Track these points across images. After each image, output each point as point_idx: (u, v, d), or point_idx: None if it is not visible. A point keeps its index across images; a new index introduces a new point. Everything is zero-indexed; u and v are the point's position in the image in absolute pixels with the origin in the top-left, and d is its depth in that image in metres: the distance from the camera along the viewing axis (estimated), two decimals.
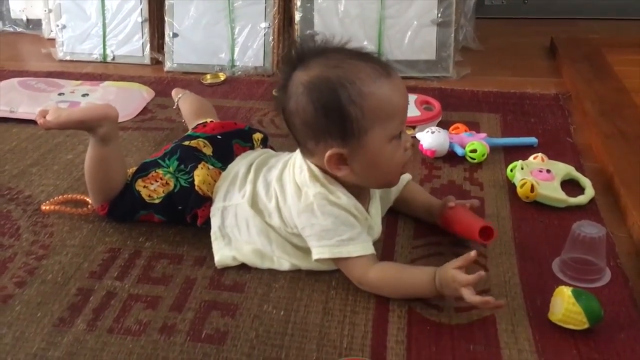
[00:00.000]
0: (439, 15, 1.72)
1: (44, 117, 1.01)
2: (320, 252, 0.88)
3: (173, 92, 1.49)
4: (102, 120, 1.00)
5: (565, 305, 0.79)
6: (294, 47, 0.89)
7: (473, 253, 0.82)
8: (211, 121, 1.20)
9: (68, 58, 2.01)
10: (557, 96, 1.58)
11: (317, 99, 0.84)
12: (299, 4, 1.77)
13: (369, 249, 0.88)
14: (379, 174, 0.89)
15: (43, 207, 1.12)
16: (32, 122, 1.46)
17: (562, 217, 1.06)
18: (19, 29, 2.31)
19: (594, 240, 0.88)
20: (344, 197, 0.88)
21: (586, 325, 0.79)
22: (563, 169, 1.16)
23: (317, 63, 0.85)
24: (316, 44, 0.88)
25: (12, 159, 1.33)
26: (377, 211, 0.96)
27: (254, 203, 0.96)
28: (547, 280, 0.90)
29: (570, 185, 1.14)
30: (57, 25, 2.02)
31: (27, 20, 2.31)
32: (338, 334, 0.82)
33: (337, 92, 0.82)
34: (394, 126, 0.85)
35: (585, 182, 1.14)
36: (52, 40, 2.09)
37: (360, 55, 0.86)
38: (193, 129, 1.18)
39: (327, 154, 0.85)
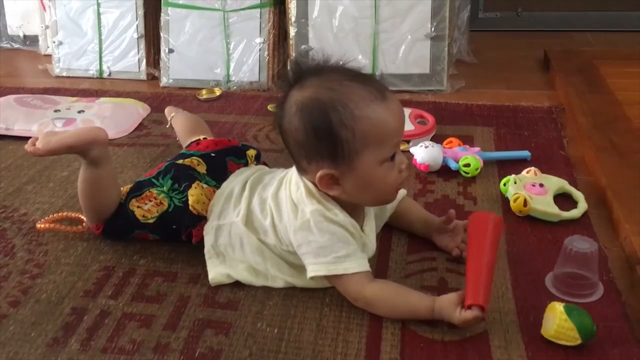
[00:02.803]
0: (433, 29, 1.73)
1: (34, 145, 1.01)
2: (316, 269, 0.88)
3: (166, 111, 1.49)
4: (92, 144, 1.00)
5: (558, 322, 0.80)
6: (291, 65, 0.90)
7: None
8: (205, 138, 1.21)
9: (64, 74, 2.02)
10: (550, 109, 1.59)
11: (309, 121, 0.84)
12: (293, 19, 1.79)
13: (365, 266, 0.89)
14: (372, 194, 0.89)
15: (38, 225, 1.12)
16: (28, 139, 1.48)
17: (555, 231, 1.06)
18: (16, 45, 2.32)
19: (586, 256, 0.89)
20: (340, 214, 0.88)
21: (579, 341, 0.80)
22: (556, 183, 1.17)
23: (312, 83, 0.86)
24: (315, 62, 0.88)
25: (7, 177, 1.33)
26: (371, 228, 0.96)
27: (249, 221, 0.96)
28: (541, 296, 0.91)
29: (564, 199, 1.15)
30: (54, 42, 2.03)
31: (24, 36, 2.32)
32: (332, 351, 0.82)
33: (328, 115, 0.83)
34: (386, 150, 0.85)
35: (578, 195, 1.14)
36: (49, 56, 2.10)
37: (357, 77, 0.86)
38: (187, 147, 1.19)
39: (318, 174, 0.86)
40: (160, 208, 1.01)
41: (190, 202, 0.99)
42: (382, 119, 0.84)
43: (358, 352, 0.82)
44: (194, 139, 1.20)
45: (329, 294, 0.92)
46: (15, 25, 2.31)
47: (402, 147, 1.35)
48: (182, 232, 1.01)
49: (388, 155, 0.86)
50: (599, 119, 1.44)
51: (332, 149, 0.84)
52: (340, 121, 0.83)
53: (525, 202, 1.09)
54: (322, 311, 0.89)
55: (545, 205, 1.09)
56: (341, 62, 0.89)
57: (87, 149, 1.00)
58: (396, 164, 0.87)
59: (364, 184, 0.87)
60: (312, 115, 0.84)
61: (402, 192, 1.05)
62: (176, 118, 1.43)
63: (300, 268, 0.92)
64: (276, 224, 0.93)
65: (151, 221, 1.02)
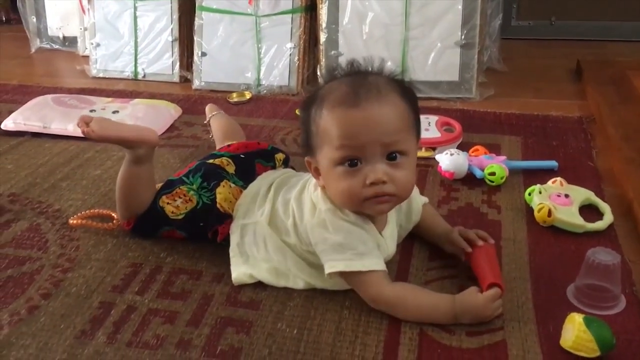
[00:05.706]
0: (463, 37, 1.73)
1: (87, 126, 1.01)
2: (332, 265, 0.89)
3: (207, 108, 1.52)
4: (144, 143, 1.04)
5: (576, 333, 0.80)
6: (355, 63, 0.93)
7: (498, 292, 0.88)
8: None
9: (101, 75, 2.08)
10: (580, 119, 1.58)
11: (302, 110, 0.92)
12: (324, 25, 1.81)
13: (382, 265, 0.90)
14: (336, 196, 0.90)
15: (71, 221, 1.16)
16: (64, 137, 1.54)
17: (579, 242, 1.05)
18: (56, 46, 2.41)
19: (608, 268, 0.88)
20: (351, 215, 0.90)
21: (597, 353, 0.79)
22: (582, 194, 1.16)
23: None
24: (368, 67, 0.91)
25: (43, 173, 1.38)
26: (392, 235, 0.97)
27: (272, 221, 0.98)
28: (561, 306, 0.90)
29: (589, 211, 1.14)
30: (92, 43, 2.09)
31: (64, 37, 2.40)
32: (349, 354, 0.83)
33: (311, 108, 0.89)
34: (337, 154, 0.85)
35: (605, 207, 1.13)
36: (87, 57, 2.17)
37: (358, 79, 0.87)
38: (219, 148, 1.21)
39: (305, 158, 0.92)
40: (189, 205, 1.04)
41: (217, 200, 1.02)
42: (339, 122, 0.85)
43: (375, 356, 0.83)
44: (227, 143, 1.22)
45: (349, 297, 0.93)
46: (56, 26, 2.40)
47: (428, 154, 1.36)
48: (208, 230, 1.03)
49: (337, 158, 0.85)
50: (629, 130, 1.42)
51: (307, 139, 0.91)
52: (314, 114, 0.88)
53: (549, 212, 1.08)
54: (341, 314, 0.91)
55: (569, 216, 1.09)
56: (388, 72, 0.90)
57: (138, 146, 1.04)
58: (360, 175, 0.85)
59: (326, 181, 0.90)
60: (304, 106, 0.92)
61: (423, 200, 1.06)
62: (215, 118, 1.46)
63: (319, 268, 0.93)
64: (297, 224, 0.95)
65: (180, 217, 1.05)
